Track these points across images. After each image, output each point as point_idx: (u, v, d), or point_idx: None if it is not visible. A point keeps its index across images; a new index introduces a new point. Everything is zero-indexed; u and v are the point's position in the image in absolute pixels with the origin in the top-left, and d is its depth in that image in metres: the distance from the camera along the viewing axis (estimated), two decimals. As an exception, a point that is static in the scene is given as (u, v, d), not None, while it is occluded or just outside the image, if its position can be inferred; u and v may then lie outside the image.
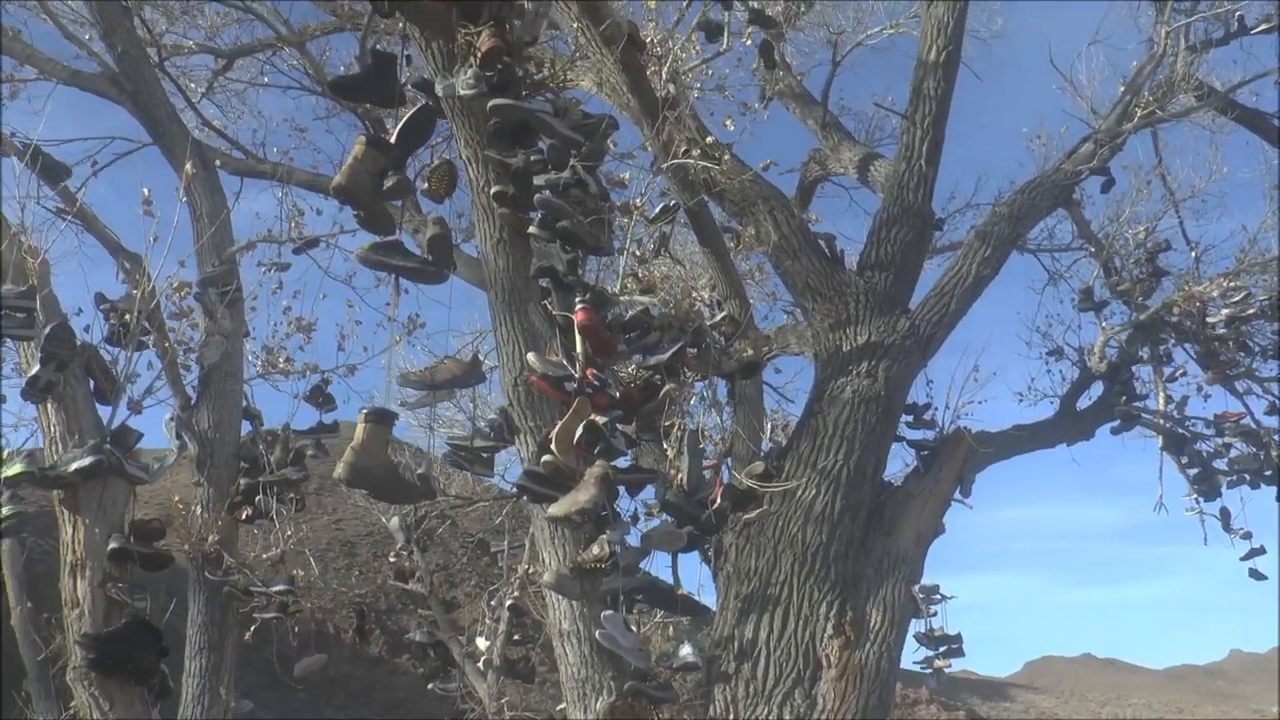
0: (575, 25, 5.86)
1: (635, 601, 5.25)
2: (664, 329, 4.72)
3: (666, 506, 4.87)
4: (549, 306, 4.35)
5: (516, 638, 7.84)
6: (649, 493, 5.35)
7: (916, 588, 6.41)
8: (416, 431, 9.16)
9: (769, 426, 7.59)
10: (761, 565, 6.16)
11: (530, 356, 4.21)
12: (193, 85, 8.76)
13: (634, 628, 4.59)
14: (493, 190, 4.27)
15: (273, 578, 6.00)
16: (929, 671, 6.75)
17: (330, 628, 12.17)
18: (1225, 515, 7.86)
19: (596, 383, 4.19)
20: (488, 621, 7.90)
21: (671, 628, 5.99)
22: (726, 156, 6.42)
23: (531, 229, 4.20)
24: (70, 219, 5.35)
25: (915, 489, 6.86)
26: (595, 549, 4.30)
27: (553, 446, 4.17)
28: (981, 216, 8.67)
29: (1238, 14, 8.57)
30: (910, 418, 7.27)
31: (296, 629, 6.28)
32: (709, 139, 5.53)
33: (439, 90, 4.26)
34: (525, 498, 4.49)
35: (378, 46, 7.84)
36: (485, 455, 4.76)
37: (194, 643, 5.98)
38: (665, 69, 6.52)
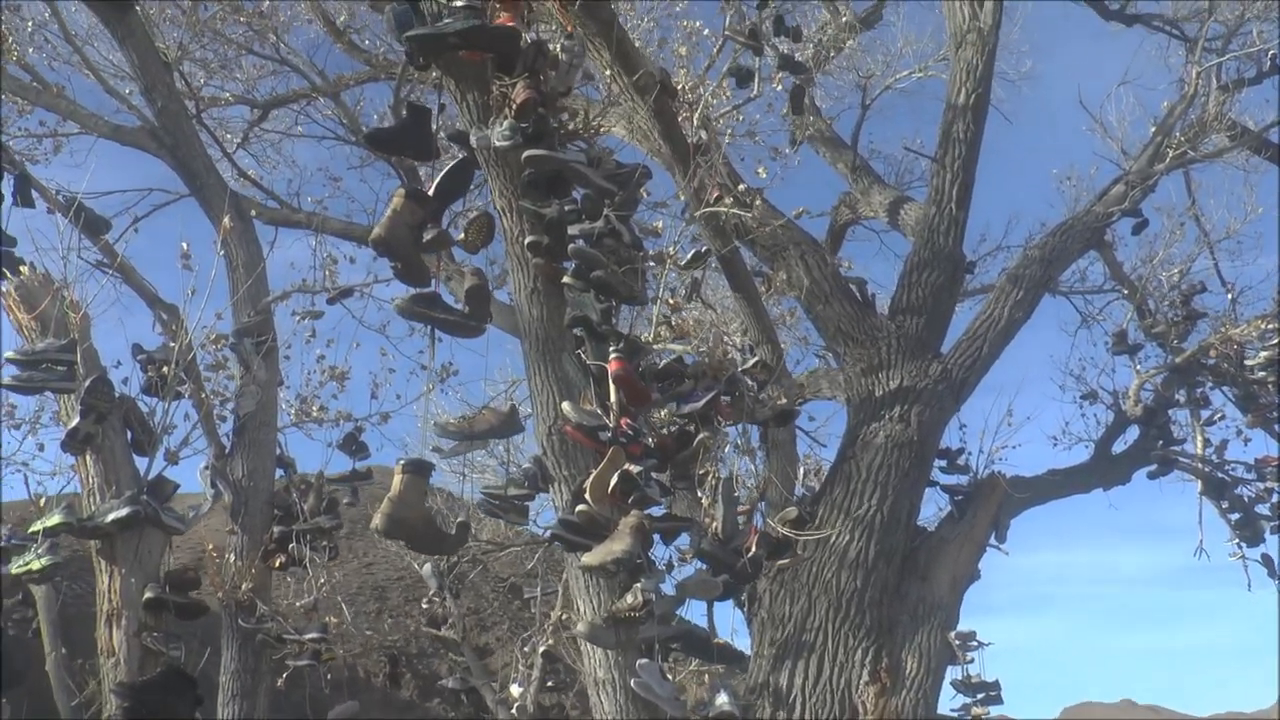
0: (608, 73, 5.92)
1: (671, 650, 5.20)
2: (698, 377, 4.71)
3: (702, 555, 4.83)
4: (583, 356, 4.35)
5: (550, 684, 7.79)
6: (683, 539, 5.32)
7: (953, 634, 6.33)
8: (449, 477, 9.16)
9: (801, 471, 7.54)
10: (796, 611, 6.11)
11: (565, 406, 4.21)
12: (229, 136, 8.91)
13: (669, 676, 4.54)
14: (527, 240, 4.29)
15: (306, 625, 5.99)
16: (967, 719, 6.63)
17: (361, 672, 12.12)
18: (1269, 562, 7.70)
19: (631, 432, 4.18)
20: (521, 668, 7.85)
21: (707, 675, 5.92)
22: (758, 202, 6.44)
23: (566, 279, 4.22)
24: (111, 273, 5.43)
25: (950, 534, 6.80)
26: (630, 598, 4.27)
27: (587, 495, 4.16)
28: (1013, 259, 8.64)
29: (1270, 53, 8.53)
30: (944, 462, 7.22)
31: (329, 675, 6.25)
32: (741, 186, 5.54)
33: (474, 141, 4.30)
34: (560, 545, 4.47)
35: (412, 97, 7.99)
36: (519, 504, 4.75)
37: (227, 690, 5.97)
38: (697, 115, 6.58)
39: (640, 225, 4.81)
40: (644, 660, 4.32)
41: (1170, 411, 7.80)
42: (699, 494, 5.01)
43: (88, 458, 4.73)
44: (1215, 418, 7.85)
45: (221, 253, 5.30)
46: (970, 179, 7.30)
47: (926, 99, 10.15)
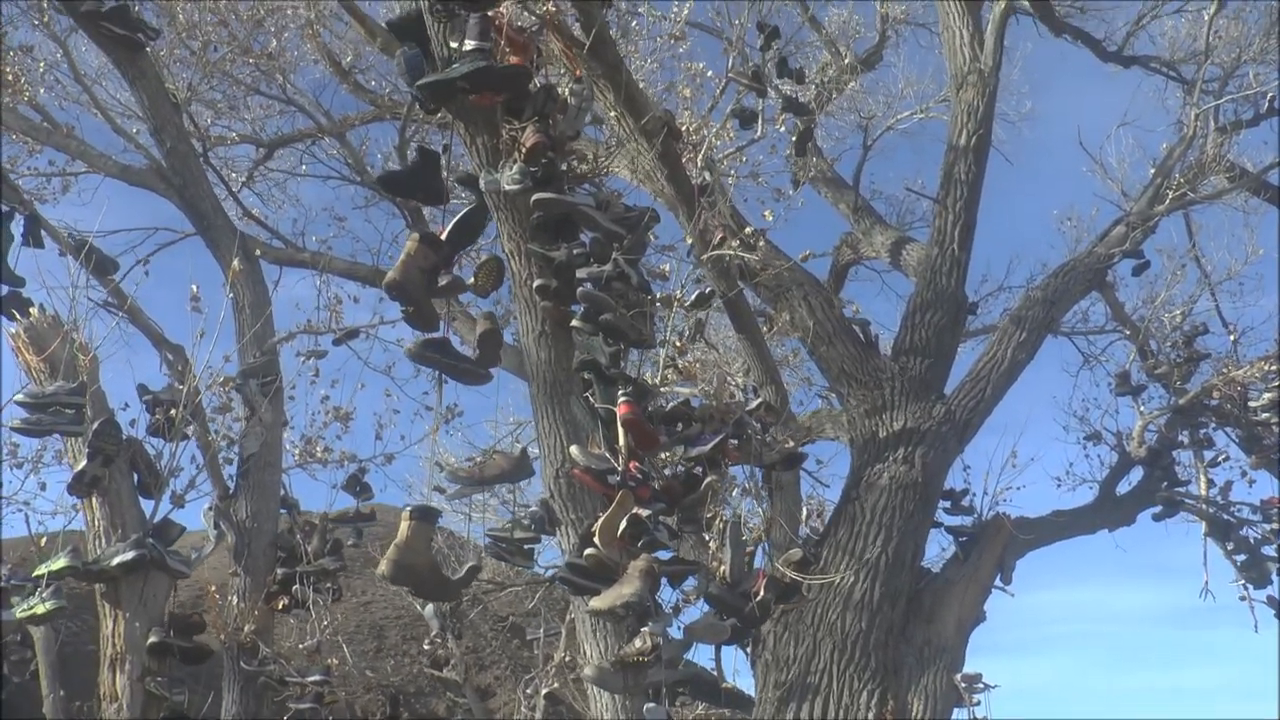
0: (613, 114, 5.97)
1: (678, 694, 5.16)
2: (705, 420, 4.71)
3: (709, 599, 4.81)
4: (591, 399, 4.34)
5: (552, 727, 7.71)
6: (689, 581, 5.30)
7: (959, 676, 6.28)
8: (453, 517, 9.13)
9: (805, 512, 7.53)
10: (801, 653, 6.07)
11: (573, 449, 4.20)
12: (234, 175, 8.95)
13: (676, 720, 4.52)
14: (535, 283, 4.30)
15: (308, 667, 5.95)
16: (975, 761, 6.57)
17: (360, 712, 12.01)
18: (1276, 604, 7.66)
19: (639, 476, 4.17)
20: (523, 710, 7.78)
21: (713, 719, 5.89)
22: (761, 243, 6.47)
23: (574, 322, 4.22)
24: (119, 315, 5.43)
25: (955, 576, 6.77)
26: (639, 642, 4.24)
27: (596, 539, 4.14)
28: (1014, 300, 8.69)
29: (1268, 95, 8.61)
30: (948, 504, 7.19)
31: (331, 718, 6.20)
32: (747, 229, 5.57)
33: (483, 185, 4.32)
34: (563, 586, 4.45)
35: (418, 137, 8.05)
36: (526, 547, 4.73)
37: (228, 732, 5.92)
38: (701, 156, 6.63)
39: (648, 268, 4.83)
40: (651, 704, 4.29)
41: (1174, 453, 7.79)
42: (706, 537, 5.00)
43: (94, 500, 4.72)
44: (1219, 459, 7.84)
45: (230, 296, 5.31)
46: (972, 220, 7.35)
47: (928, 140, 10.24)
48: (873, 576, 6.23)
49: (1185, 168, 8.18)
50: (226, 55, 7.86)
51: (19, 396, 4.49)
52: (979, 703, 6.37)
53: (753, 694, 6.22)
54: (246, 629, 5.82)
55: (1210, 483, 7.96)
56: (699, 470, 4.72)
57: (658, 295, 4.71)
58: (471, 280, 4.30)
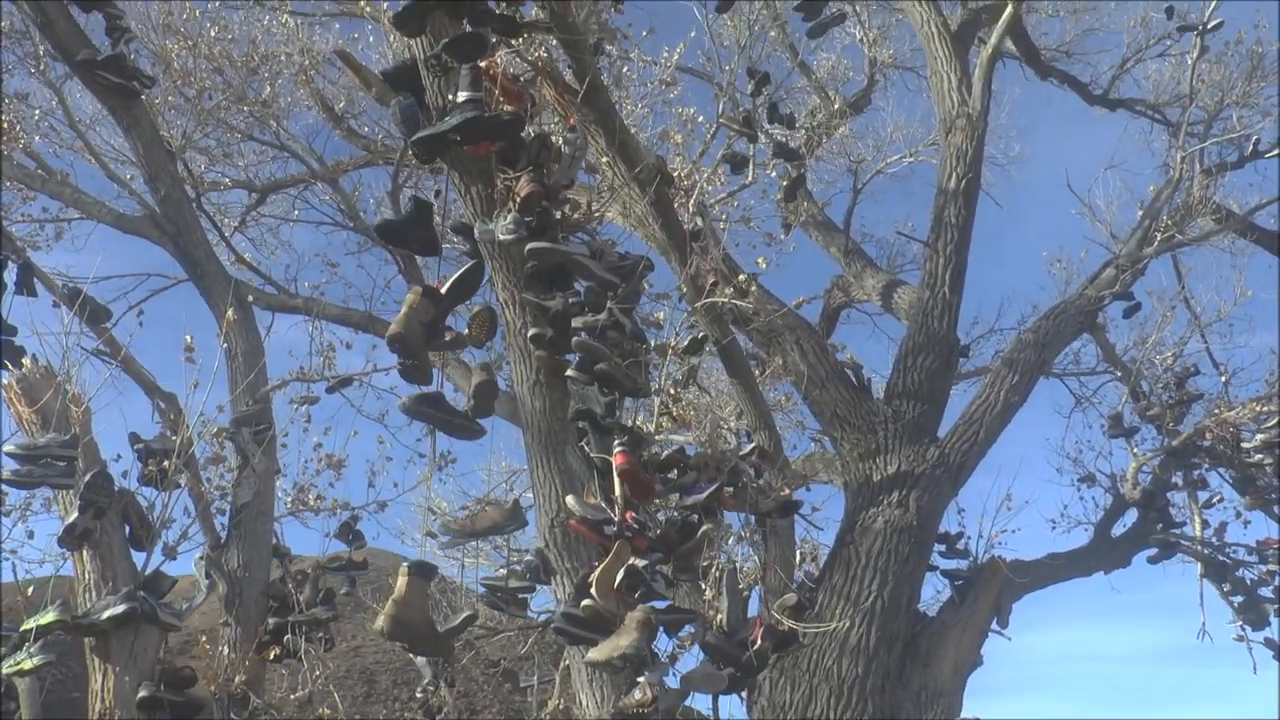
0: (604, 160, 6.00)
1: (676, 744, 5.09)
2: (700, 468, 4.69)
3: (706, 648, 4.76)
4: (586, 448, 4.33)
5: (545, 776, 7.60)
6: (684, 628, 5.26)
7: (956, 721, 6.26)
8: (444, 561, 9.08)
9: (799, 555, 7.51)
10: (797, 699, 6.03)
11: (569, 500, 4.18)
12: (226, 220, 8.95)
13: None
14: (530, 333, 4.30)
15: (300, 718, 5.87)
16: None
17: (349, 759, 11.86)
18: (1274, 646, 7.63)
19: (636, 526, 4.15)
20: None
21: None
22: (754, 289, 6.50)
23: (570, 371, 4.22)
24: (114, 364, 5.41)
25: (951, 620, 6.76)
26: (637, 694, 4.19)
27: (593, 590, 4.11)
28: (1006, 342, 8.72)
29: (1252, 138, 8.72)
30: (943, 547, 7.19)
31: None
32: (741, 277, 5.60)
33: (477, 235, 4.33)
34: (562, 637, 4.41)
35: (411, 183, 8.08)
36: (520, 596, 4.70)
37: (217, 787, 5.82)
38: (692, 201, 6.66)
39: (643, 317, 4.83)
40: (649, 755, 4.23)
41: (1168, 494, 7.79)
42: (702, 585, 4.96)
43: (84, 553, 4.67)
44: (1214, 500, 7.85)
45: (224, 346, 5.30)
46: (963, 263, 7.39)
47: (918, 183, 10.35)
48: (869, 621, 6.21)
49: (1172, 210, 8.27)
50: (221, 103, 7.89)
51: (9, 448, 4.46)
52: (977, 747, 6.36)
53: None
54: (237, 680, 5.75)
55: (1205, 524, 7.95)
56: (694, 518, 4.70)
57: (652, 343, 4.71)
58: (465, 331, 4.29)
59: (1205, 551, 7.78)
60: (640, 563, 4.11)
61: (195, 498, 5.34)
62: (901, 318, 8.19)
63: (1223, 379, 8.29)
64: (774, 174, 7.68)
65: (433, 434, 4.29)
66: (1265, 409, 7.44)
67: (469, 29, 4.24)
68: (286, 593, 5.94)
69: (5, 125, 6.77)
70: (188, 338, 4.75)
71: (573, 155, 4.54)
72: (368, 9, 7.61)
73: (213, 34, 8.11)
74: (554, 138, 4.61)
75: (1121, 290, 7.81)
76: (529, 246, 4.20)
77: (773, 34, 9.22)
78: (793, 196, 8.07)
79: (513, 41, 4.85)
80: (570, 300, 4.33)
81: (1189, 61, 8.92)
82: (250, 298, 6.81)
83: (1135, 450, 7.97)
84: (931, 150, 9.36)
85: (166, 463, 4.78)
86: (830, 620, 6.12)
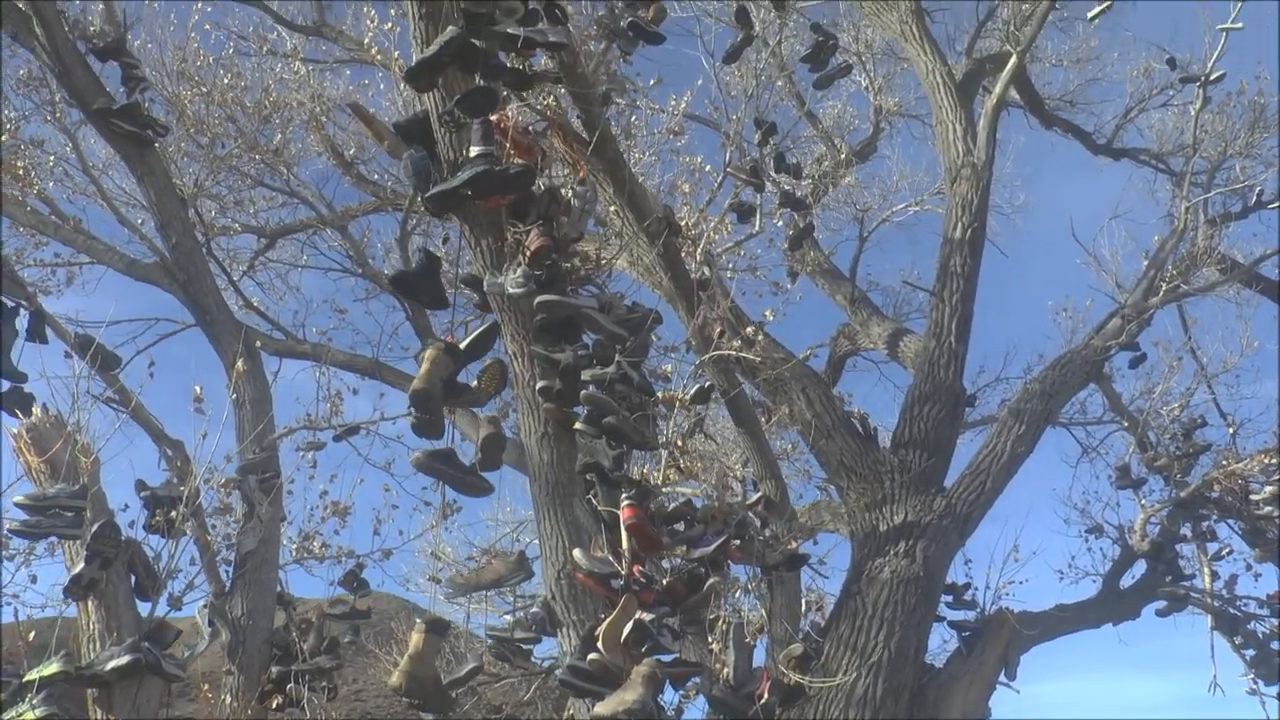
0: (613, 208, 6.04)
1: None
2: (707, 521, 4.68)
3: (713, 701, 4.74)
4: (593, 501, 4.33)
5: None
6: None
7: (965, 775, 6.18)
8: (447, 606, 9.01)
9: (805, 604, 7.47)
10: (803, 753, 5.95)
11: (576, 553, 4.17)
12: (235, 265, 8.99)
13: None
14: (539, 385, 4.31)
15: (300, 770, 5.81)
16: None
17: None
18: (1288, 705, 7.55)
19: (643, 580, 4.13)
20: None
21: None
22: (760, 338, 6.51)
23: (578, 425, 4.22)
24: (124, 413, 5.43)
25: (958, 671, 6.68)
26: (643, 749, 4.16)
27: (599, 644, 4.09)
28: (1012, 391, 8.72)
29: (1255, 189, 8.76)
30: (950, 598, 7.13)
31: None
32: (749, 329, 5.61)
33: (487, 287, 4.36)
34: (568, 690, 4.38)
35: (420, 230, 8.13)
36: (525, 647, 4.67)
37: (216, 839, 5.75)
38: (699, 250, 6.70)
39: (650, 370, 4.85)
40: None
41: (1177, 546, 7.74)
42: (710, 639, 4.94)
43: (89, 603, 4.65)
44: (1224, 552, 7.80)
45: (233, 396, 5.31)
46: (969, 312, 7.40)
47: (923, 231, 10.40)
48: (875, 673, 6.14)
49: (1177, 260, 8.28)
50: (233, 150, 7.97)
51: (18, 499, 4.46)
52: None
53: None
54: (239, 730, 5.70)
55: (1215, 575, 7.90)
56: (702, 571, 4.68)
57: (660, 395, 4.72)
58: (474, 383, 4.31)
59: (1216, 604, 7.72)
60: (647, 617, 4.10)
61: (201, 547, 5.32)
62: (907, 366, 8.19)
63: (1230, 430, 8.27)
64: (780, 223, 7.72)
65: (441, 484, 4.28)
66: (1273, 461, 7.41)
67: (480, 83, 4.29)
68: (290, 641, 5.91)
69: (21, 171, 6.84)
70: (197, 388, 4.77)
71: (582, 208, 4.57)
72: (379, 57, 7.72)
73: (226, 81, 8.21)
74: (564, 190, 4.65)
75: (1127, 341, 7.81)
76: (538, 299, 4.23)
77: (780, 83, 9.32)
78: (798, 245, 8.11)
79: (523, 93, 4.90)
80: (579, 353, 4.35)
81: (1192, 112, 8.97)
82: (258, 343, 6.83)
83: (1143, 501, 7.94)
84: (937, 199, 9.42)
85: (174, 513, 4.77)
86: (836, 672, 6.06)
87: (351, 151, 8.84)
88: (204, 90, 7.89)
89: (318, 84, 8.78)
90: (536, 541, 4.62)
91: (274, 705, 5.93)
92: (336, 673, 6.04)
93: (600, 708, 4.07)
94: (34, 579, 5.57)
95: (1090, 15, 9.01)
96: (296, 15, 8.89)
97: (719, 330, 6.07)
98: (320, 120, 8.52)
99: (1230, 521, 7.79)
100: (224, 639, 5.77)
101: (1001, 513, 7.16)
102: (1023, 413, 7.27)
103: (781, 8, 7.75)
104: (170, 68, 8.10)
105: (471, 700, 10.45)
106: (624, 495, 4.15)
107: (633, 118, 7.80)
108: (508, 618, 5.17)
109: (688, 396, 5.16)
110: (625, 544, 4.15)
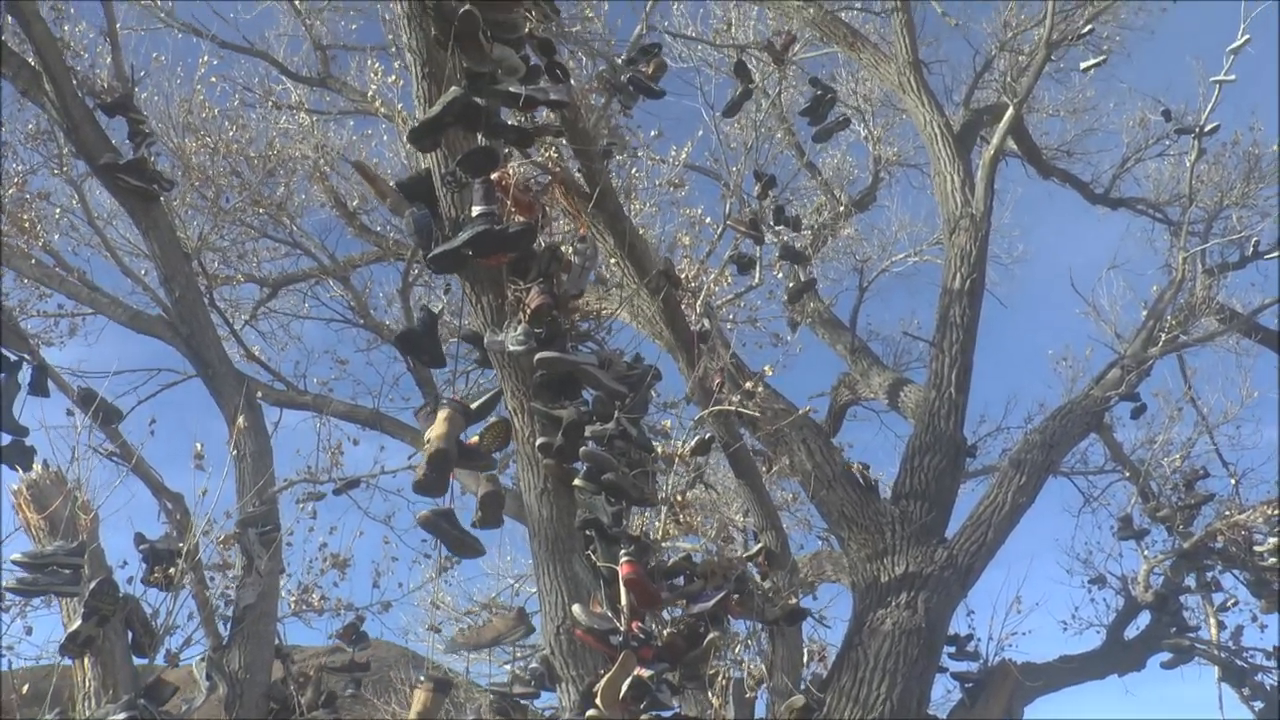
0: (613, 260, 6.08)
1: None
2: (707, 576, 4.67)
3: (712, 759, 4.70)
4: (593, 557, 4.32)
5: None
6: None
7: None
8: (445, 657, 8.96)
9: (806, 654, 7.42)
10: (805, 807, 5.90)
11: (575, 609, 4.17)
12: (237, 314, 9.02)
13: None
14: (538, 441, 4.32)
15: (296, 827, 5.74)
16: None
17: None
18: (1299, 756, 7.47)
19: (642, 636, 4.12)
20: None
21: None
22: (761, 389, 6.52)
23: (577, 481, 4.23)
24: (127, 468, 5.43)
25: (962, 723, 6.65)
26: (641, 807, 4.13)
27: (598, 701, 4.07)
28: (1013, 440, 8.71)
29: (1253, 239, 8.82)
30: (953, 649, 7.10)
31: None
32: (747, 384, 5.63)
33: (487, 344, 4.39)
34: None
35: (421, 281, 8.17)
36: (524, 702, 4.65)
37: None
38: (699, 302, 6.73)
39: (650, 426, 4.86)
40: None
41: (1182, 597, 7.71)
42: (709, 694, 4.91)
43: (86, 660, 4.62)
44: (1229, 603, 7.75)
45: (234, 453, 5.32)
46: (969, 363, 7.42)
47: (922, 281, 10.43)
48: (878, 725, 6.10)
49: (1176, 310, 8.32)
50: (238, 203, 8.04)
51: (16, 557, 4.45)
52: None
53: None
54: (235, 786, 5.64)
55: (1221, 626, 7.85)
56: (701, 627, 4.66)
57: (660, 449, 4.73)
58: (475, 439, 4.32)
59: (1222, 655, 7.67)
60: (646, 673, 4.09)
61: (199, 602, 5.30)
62: (908, 416, 8.19)
63: (1233, 480, 8.25)
64: (780, 275, 7.76)
65: (439, 545, 4.28)
66: (1276, 512, 7.39)
67: (482, 143, 4.35)
68: (288, 694, 5.86)
69: (27, 224, 6.90)
70: (198, 445, 4.77)
71: (583, 265, 4.61)
72: (382, 109, 7.81)
73: (230, 132, 8.29)
74: (564, 247, 4.69)
75: (1127, 391, 7.82)
76: (538, 356, 4.26)
77: (779, 135, 9.42)
78: (797, 298, 8.15)
79: (525, 148, 4.96)
80: (581, 409, 4.36)
81: (1188, 162, 9.05)
82: (259, 394, 6.84)
83: (1146, 552, 7.92)
84: (936, 249, 9.48)
85: (172, 569, 4.76)
86: (842, 731, 6.02)
87: (355, 203, 8.91)
88: (209, 143, 7.97)
89: (321, 134, 8.88)
90: (536, 595, 4.62)
91: (271, 760, 5.88)
92: (334, 727, 5.99)
93: (599, 764, 4.04)
94: (29, 630, 5.55)
95: (1084, 66, 9.14)
96: (301, 66, 9.04)
97: (719, 382, 6.09)
98: (324, 171, 8.60)
99: (1235, 572, 7.76)
100: (221, 693, 5.73)
101: (1003, 558, 7.15)
102: (1023, 463, 7.27)
103: (780, 61, 7.86)
104: (176, 120, 8.19)
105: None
106: (623, 551, 4.15)
107: (633, 170, 7.87)
108: (508, 668, 5.15)
109: (687, 449, 5.17)
110: (624, 600, 4.14)
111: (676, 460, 4.80)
